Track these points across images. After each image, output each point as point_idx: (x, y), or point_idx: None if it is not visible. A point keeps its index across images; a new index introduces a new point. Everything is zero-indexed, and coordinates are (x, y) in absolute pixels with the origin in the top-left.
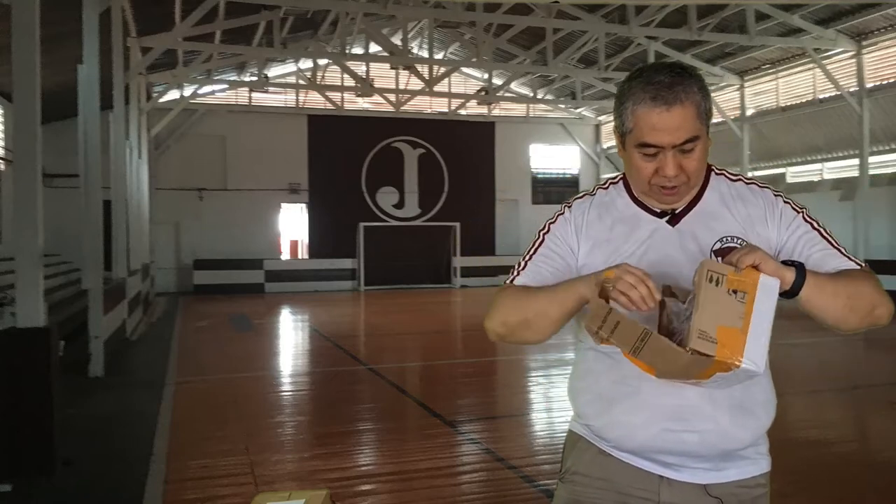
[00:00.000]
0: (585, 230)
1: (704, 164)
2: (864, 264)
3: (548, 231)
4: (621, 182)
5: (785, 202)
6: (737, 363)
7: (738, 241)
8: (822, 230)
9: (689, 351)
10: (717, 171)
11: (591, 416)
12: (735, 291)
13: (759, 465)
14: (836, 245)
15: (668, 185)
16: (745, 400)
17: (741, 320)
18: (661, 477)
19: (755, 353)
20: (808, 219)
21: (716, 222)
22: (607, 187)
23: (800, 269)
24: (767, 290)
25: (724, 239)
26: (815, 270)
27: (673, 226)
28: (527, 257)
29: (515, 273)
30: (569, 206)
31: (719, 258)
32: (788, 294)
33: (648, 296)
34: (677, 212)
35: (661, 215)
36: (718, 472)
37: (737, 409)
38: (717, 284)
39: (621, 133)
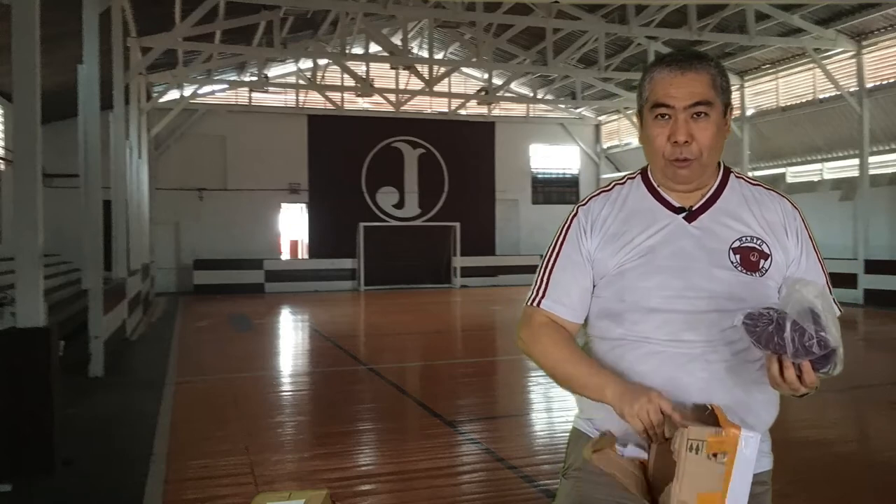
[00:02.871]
0: (600, 225)
1: (718, 142)
2: (841, 310)
3: (564, 239)
4: (639, 176)
5: (801, 218)
6: None
7: (758, 243)
8: (822, 263)
9: None
10: (736, 174)
11: (594, 408)
12: (715, 455)
13: (759, 463)
14: (828, 282)
15: (680, 155)
16: (745, 397)
17: (721, 483)
18: None
19: None
20: (815, 245)
21: (735, 222)
22: (624, 182)
23: None
24: (748, 445)
25: (744, 238)
26: None
27: (690, 222)
28: (547, 268)
29: (539, 291)
30: (583, 206)
31: (738, 256)
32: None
33: (659, 424)
34: (694, 208)
35: (678, 211)
36: None
37: (737, 405)
38: (696, 452)
39: (640, 108)
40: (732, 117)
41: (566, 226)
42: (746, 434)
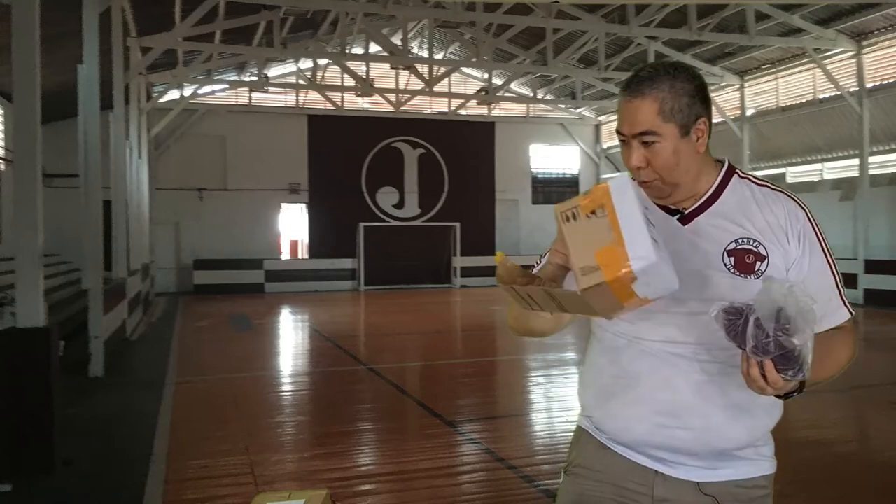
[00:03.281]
0: None
1: (678, 164)
2: (852, 312)
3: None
4: None
5: (808, 219)
6: (626, 271)
7: (754, 245)
8: (832, 264)
9: (581, 292)
10: (741, 174)
11: (593, 407)
12: (593, 212)
13: (759, 466)
14: (838, 284)
15: (639, 178)
16: (741, 399)
17: (611, 233)
18: (655, 472)
19: (638, 249)
20: (824, 246)
21: (732, 224)
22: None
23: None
24: (620, 190)
25: (740, 240)
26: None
27: (684, 224)
28: (542, 255)
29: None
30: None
31: (732, 258)
32: (785, 396)
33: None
34: (687, 211)
35: (672, 213)
36: (713, 470)
37: (732, 408)
38: (574, 219)
39: None
40: (732, 117)
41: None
42: (612, 179)
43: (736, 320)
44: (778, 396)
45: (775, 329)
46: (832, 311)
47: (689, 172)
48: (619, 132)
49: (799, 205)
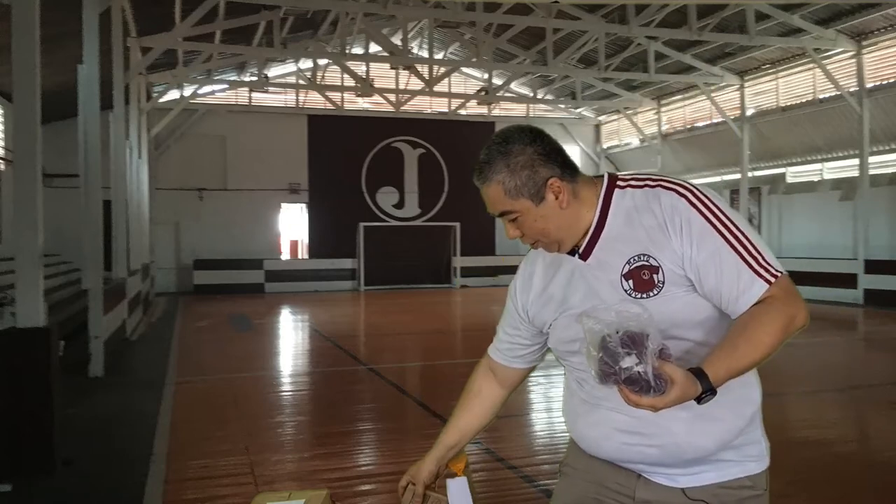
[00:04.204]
0: (532, 281)
1: (546, 227)
2: (774, 277)
3: (512, 294)
4: None
5: (690, 205)
6: None
7: (645, 258)
8: (732, 239)
9: None
10: (621, 183)
11: (568, 427)
12: None
13: (743, 467)
14: (745, 257)
15: (526, 243)
16: (703, 409)
17: None
18: (638, 476)
19: None
20: (718, 223)
21: (622, 244)
22: None
23: (701, 377)
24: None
25: (632, 259)
26: (720, 346)
27: (585, 260)
28: (502, 319)
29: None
30: (526, 258)
31: (630, 280)
32: (699, 401)
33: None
34: (583, 247)
35: (573, 252)
36: (694, 475)
37: (694, 418)
38: None
39: None
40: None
41: (516, 276)
42: (451, 483)
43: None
44: (697, 401)
45: (599, 364)
46: (744, 288)
47: (562, 227)
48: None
49: (679, 193)
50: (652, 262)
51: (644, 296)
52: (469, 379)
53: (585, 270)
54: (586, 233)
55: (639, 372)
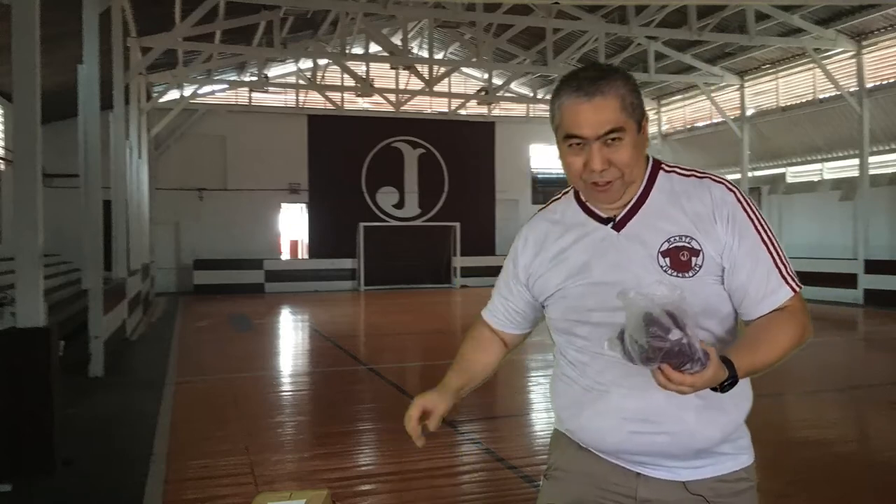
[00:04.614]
0: (541, 246)
1: (637, 158)
2: (798, 288)
3: (513, 256)
4: (572, 191)
5: (738, 200)
6: None
7: (687, 240)
8: (769, 242)
9: None
10: (666, 168)
11: (566, 419)
12: None
13: (737, 460)
14: (777, 262)
15: (598, 180)
16: (713, 398)
17: None
18: (637, 474)
19: None
20: (759, 225)
21: (663, 222)
22: (560, 198)
23: (727, 364)
24: None
25: (672, 239)
26: (743, 339)
27: (619, 231)
28: (499, 281)
29: (491, 299)
30: (529, 225)
31: (667, 258)
32: (721, 389)
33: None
34: (620, 217)
35: (606, 221)
36: (695, 469)
37: (706, 407)
38: None
39: (555, 130)
40: (732, 117)
41: (515, 244)
42: None
43: (623, 343)
44: (714, 389)
45: (648, 336)
46: (772, 290)
47: (639, 169)
48: (572, 136)
49: (728, 188)
50: (694, 244)
51: (680, 275)
52: (468, 334)
53: (617, 241)
54: (626, 203)
55: (686, 344)
